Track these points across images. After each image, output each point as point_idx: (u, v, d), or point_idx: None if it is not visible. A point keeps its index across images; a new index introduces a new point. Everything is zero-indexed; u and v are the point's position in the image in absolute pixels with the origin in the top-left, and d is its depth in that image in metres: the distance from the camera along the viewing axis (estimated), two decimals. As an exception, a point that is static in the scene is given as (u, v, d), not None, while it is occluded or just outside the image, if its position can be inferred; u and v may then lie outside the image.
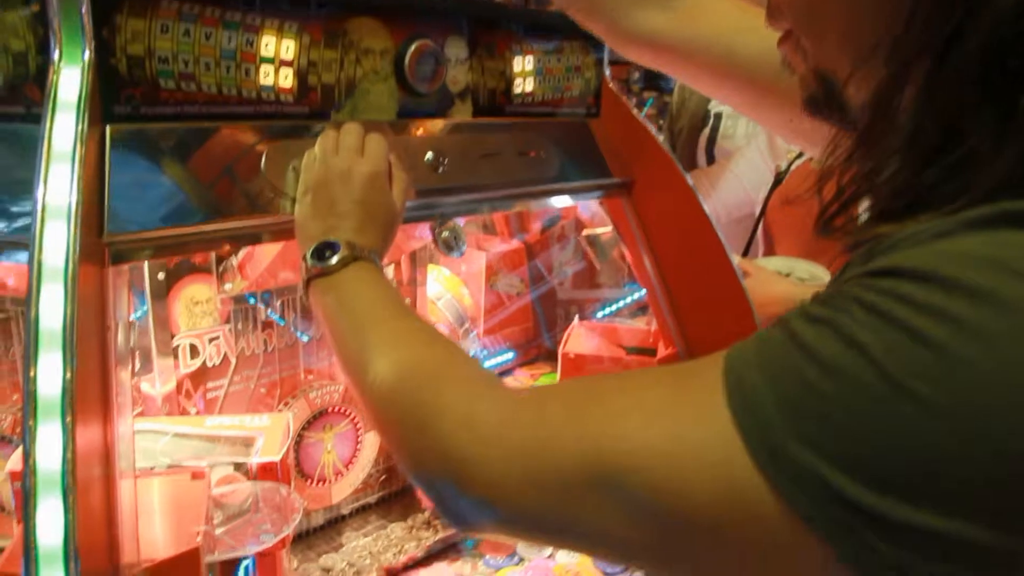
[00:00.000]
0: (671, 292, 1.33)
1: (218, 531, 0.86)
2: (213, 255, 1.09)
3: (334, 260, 0.71)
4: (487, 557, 1.28)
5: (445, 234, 0.95)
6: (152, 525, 0.75)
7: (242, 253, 1.10)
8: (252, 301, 1.14)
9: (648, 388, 0.47)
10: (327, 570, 1.21)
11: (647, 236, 1.32)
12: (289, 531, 0.86)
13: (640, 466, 0.43)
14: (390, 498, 1.38)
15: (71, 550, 0.55)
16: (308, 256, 0.73)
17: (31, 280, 0.63)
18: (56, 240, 0.64)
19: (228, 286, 1.10)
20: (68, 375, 0.59)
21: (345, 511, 1.31)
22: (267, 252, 1.05)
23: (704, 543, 0.42)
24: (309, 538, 1.27)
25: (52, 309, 0.61)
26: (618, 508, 0.44)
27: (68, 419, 0.57)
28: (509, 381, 1.84)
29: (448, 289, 1.64)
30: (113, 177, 0.72)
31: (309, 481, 1.21)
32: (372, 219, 0.76)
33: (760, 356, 0.41)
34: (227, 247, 0.81)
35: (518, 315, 1.94)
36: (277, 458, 0.93)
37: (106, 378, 0.68)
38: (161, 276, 1.04)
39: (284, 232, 0.81)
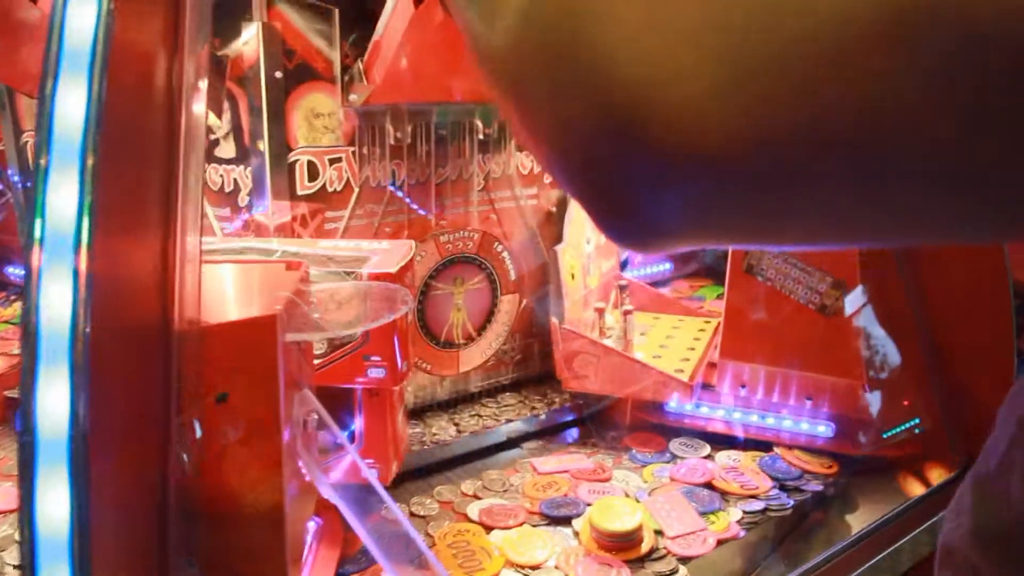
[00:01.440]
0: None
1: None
2: (337, 61, 0.95)
3: None
4: (633, 451, 1.09)
5: None
6: (232, 305, 0.61)
7: (367, 52, 0.95)
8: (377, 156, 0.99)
9: None
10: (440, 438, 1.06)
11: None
12: (394, 318, 0.70)
13: None
14: (526, 383, 1.22)
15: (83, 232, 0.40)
16: None
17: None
18: None
19: (353, 97, 0.96)
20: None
21: (474, 388, 1.16)
22: (395, 43, 0.89)
23: None
24: (435, 411, 1.13)
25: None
26: (927, 67, 0.23)
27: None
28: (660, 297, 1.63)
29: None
30: None
31: (435, 340, 1.06)
32: None
33: None
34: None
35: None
36: (393, 269, 0.77)
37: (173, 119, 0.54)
38: (279, 74, 0.91)
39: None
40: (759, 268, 1.04)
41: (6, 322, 1.46)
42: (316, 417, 0.68)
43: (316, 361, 0.82)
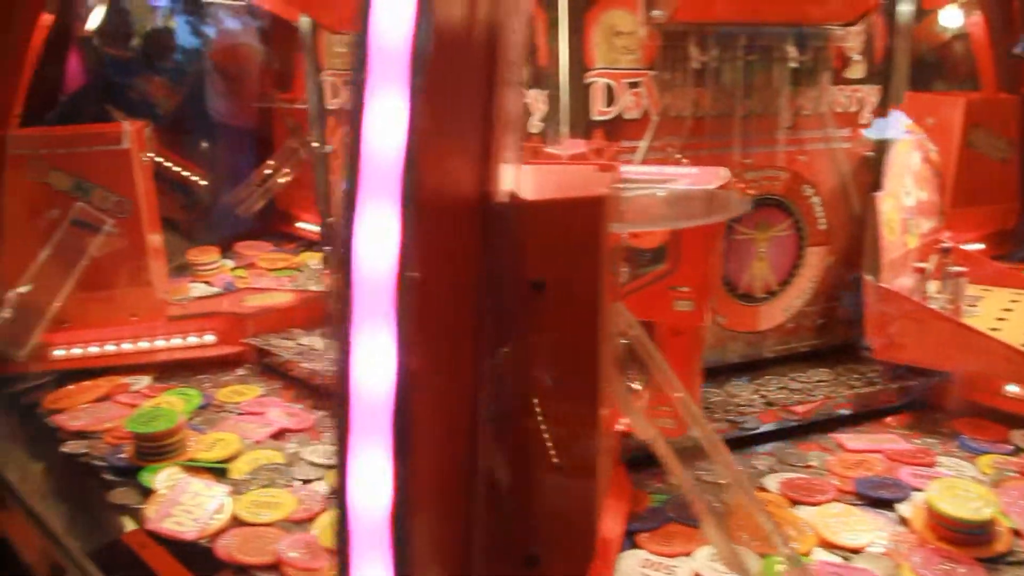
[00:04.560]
0: None
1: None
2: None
3: None
4: (963, 437, 0.91)
5: None
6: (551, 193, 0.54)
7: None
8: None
9: None
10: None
11: None
12: (718, 220, 0.60)
13: None
14: (826, 354, 1.07)
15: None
16: None
17: None
18: None
19: (657, 13, 0.87)
20: None
21: (768, 353, 1.03)
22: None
23: None
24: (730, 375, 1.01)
25: None
26: None
27: None
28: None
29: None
30: None
31: (732, 291, 0.94)
32: None
33: None
34: None
35: (998, 189, 1.48)
36: (711, 185, 0.67)
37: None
38: (577, -12, 0.84)
39: None
40: None
41: (295, 268, 1.56)
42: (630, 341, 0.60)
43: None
